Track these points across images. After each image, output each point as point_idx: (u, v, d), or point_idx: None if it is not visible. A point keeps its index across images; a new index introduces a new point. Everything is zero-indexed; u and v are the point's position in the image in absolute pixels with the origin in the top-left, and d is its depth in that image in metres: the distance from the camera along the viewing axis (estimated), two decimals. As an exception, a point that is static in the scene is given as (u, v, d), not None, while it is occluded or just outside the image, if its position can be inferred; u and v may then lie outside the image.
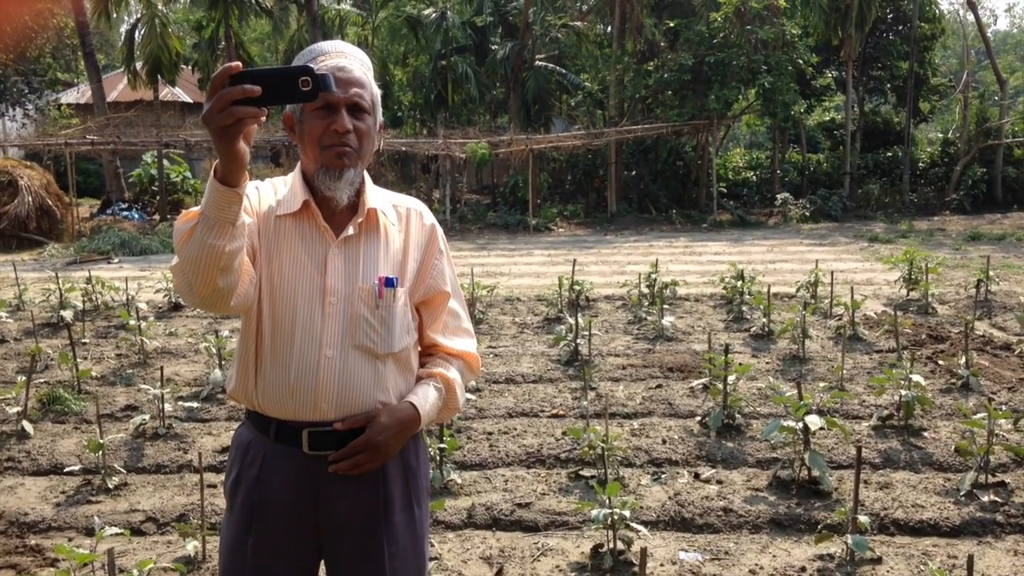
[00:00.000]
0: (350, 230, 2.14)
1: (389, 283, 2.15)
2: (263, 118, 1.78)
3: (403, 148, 25.31)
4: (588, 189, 27.14)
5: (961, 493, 4.91)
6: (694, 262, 16.09)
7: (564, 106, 31.05)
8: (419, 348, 2.31)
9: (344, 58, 2.13)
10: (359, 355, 2.12)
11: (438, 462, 5.11)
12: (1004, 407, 6.45)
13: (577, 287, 11.26)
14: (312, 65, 2.07)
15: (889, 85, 27.88)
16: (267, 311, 2.11)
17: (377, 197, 2.22)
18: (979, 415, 5.30)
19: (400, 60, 31.97)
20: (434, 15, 27.94)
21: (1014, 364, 7.86)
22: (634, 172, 26.94)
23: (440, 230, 2.32)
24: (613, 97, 25.61)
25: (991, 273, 11.51)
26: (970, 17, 28.53)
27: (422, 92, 29.54)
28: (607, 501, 4.10)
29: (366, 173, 2.20)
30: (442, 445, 5.06)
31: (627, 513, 4.08)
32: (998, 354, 8.24)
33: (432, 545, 4.31)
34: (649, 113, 25.38)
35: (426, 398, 2.21)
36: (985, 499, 4.81)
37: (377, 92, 2.18)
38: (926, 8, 27.04)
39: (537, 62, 28.20)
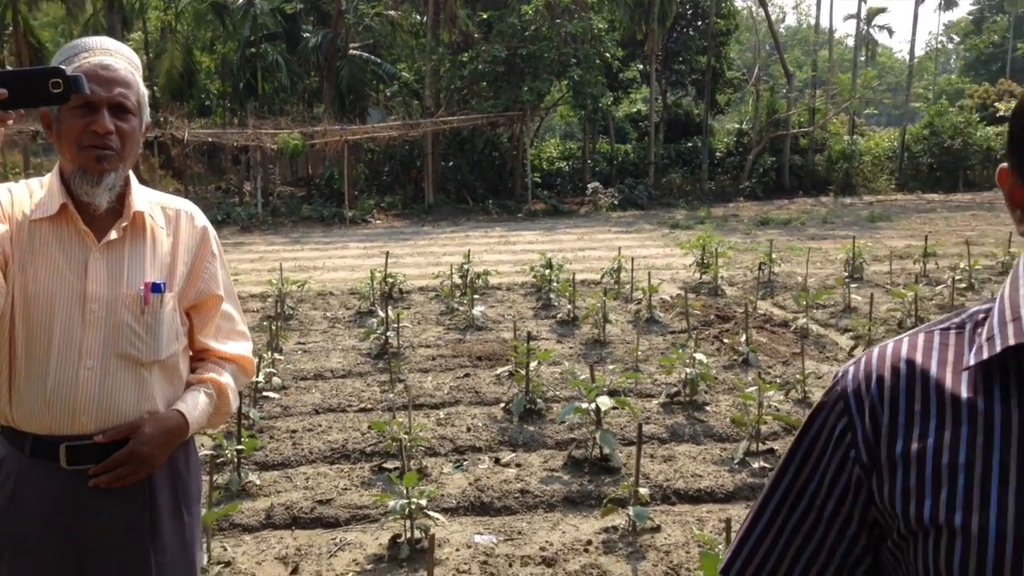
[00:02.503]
0: (113, 234, 2.07)
1: (156, 288, 2.11)
2: (10, 121, 1.74)
3: (210, 139, 24.42)
4: (405, 180, 27.15)
5: (735, 461, 5.35)
6: (508, 251, 16.47)
7: (380, 96, 30.87)
8: (190, 353, 2.30)
9: (109, 56, 2.06)
10: (122, 364, 2.07)
11: (236, 464, 5.05)
12: (778, 380, 7.05)
13: (390, 279, 11.31)
14: (75, 62, 2.01)
15: (689, 79, 29.43)
16: (21, 321, 2.03)
17: (144, 199, 2.15)
18: (752, 388, 5.78)
19: (207, 47, 30.77)
20: (241, 1, 27.06)
21: (789, 340, 8.58)
22: (451, 163, 27.18)
23: (213, 232, 2.28)
24: (429, 88, 25.73)
25: (775, 255, 12.45)
26: (762, 13, 30.50)
27: (231, 80, 28.58)
28: (405, 491, 4.20)
29: (132, 174, 2.16)
30: (240, 447, 5.01)
31: (423, 502, 4.20)
32: (776, 331, 8.96)
33: (225, 549, 4.27)
34: (465, 104, 25.65)
35: (195, 405, 2.20)
36: (756, 466, 5.27)
37: (144, 92, 2.13)
38: (722, 4, 28.71)
39: (351, 51, 27.86)
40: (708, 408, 6.43)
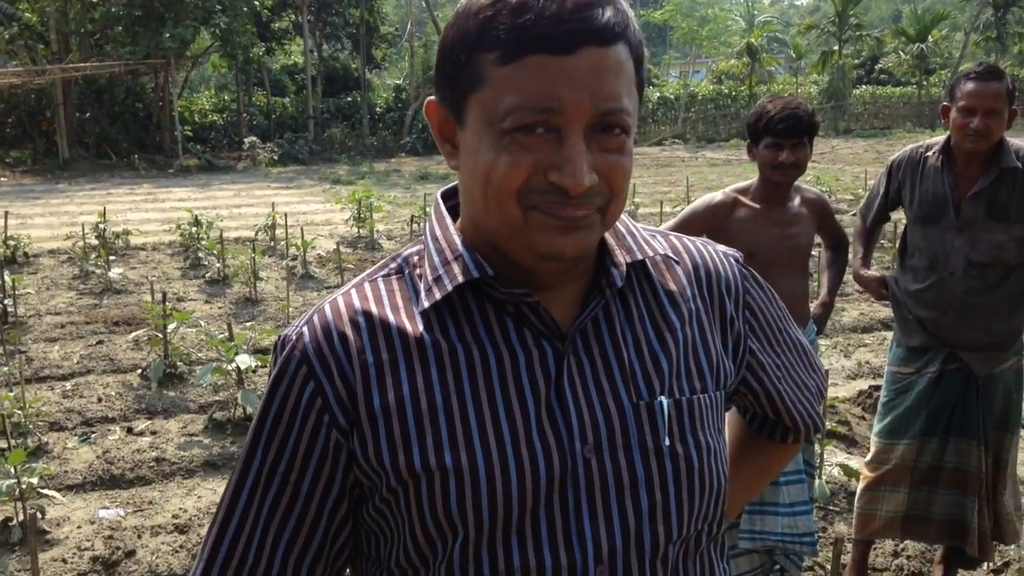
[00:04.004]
0: None
1: None
2: None
3: None
4: (35, 133, 24.34)
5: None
6: (156, 209, 15.43)
7: (-1, 39, 27.27)
8: None
9: None
10: None
11: None
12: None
13: (12, 242, 10.15)
14: None
15: (344, 32, 29.10)
16: None
17: None
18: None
19: None
20: None
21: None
22: (88, 114, 24.77)
23: None
24: (55, 31, 23.14)
25: (429, 209, 12.77)
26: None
27: None
28: (13, 471, 3.81)
29: None
30: None
31: (35, 480, 3.84)
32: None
33: None
34: (100, 50, 23.42)
35: None
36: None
37: None
38: (369, -41, 28.58)
39: (-43, -15, 24.27)
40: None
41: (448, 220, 1.03)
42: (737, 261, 1.14)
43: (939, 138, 3.22)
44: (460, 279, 0.97)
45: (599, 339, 1.01)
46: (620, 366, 1.00)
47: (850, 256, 3.46)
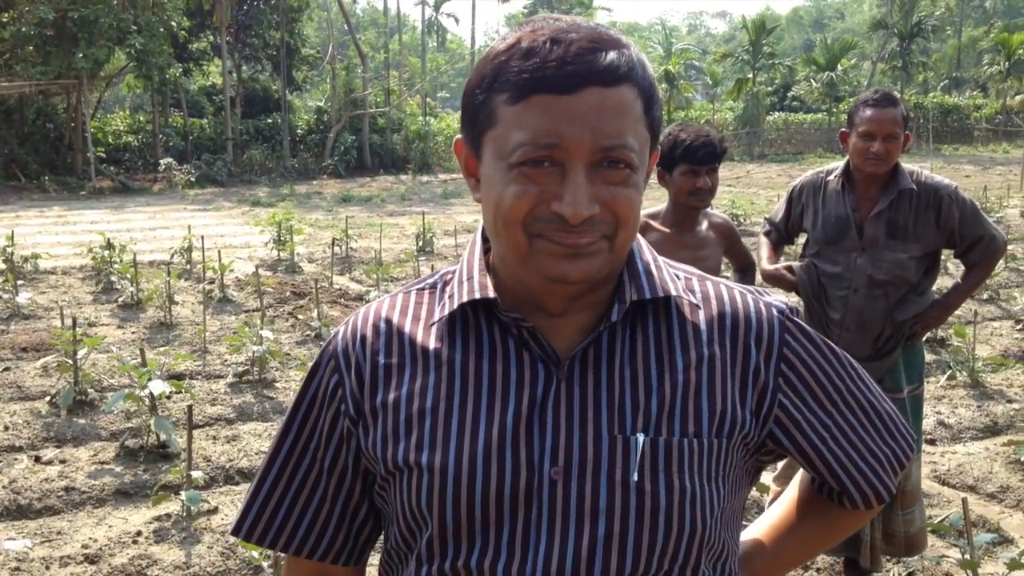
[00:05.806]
0: None
1: None
2: None
3: None
4: (-62, 154, 23.45)
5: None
6: (68, 232, 15.01)
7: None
8: None
9: None
10: None
11: None
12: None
13: (-88, 267, 9.75)
14: None
15: (264, 53, 28.81)
16: None
17: None
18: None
19: None
20: None
21: (361, 312, 8.82)
22: (-4, 135, 23.99)
23: None
24: (-39, 48, 22.42)
25: (354, 232, 12.71)
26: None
27: None
28: (-89, 506, 3.67)
29: None
30: None
31: (-65, 514, 3.70)
32: (350, 304, 9.17)
33: None
34: (9, 70, 22.73)
35: None
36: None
37: None
38: (293, -20, 28.42)
39: None
40: (278, 385, 6.41)
41: (479, 247, 1.12)
42: (781, 313, 1.12)
43: (839, 163, 3.37)
44: (464, 299, 1.06)
45: (596, 369, 1.04)
46: (609, 398, 1.03)
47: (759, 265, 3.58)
